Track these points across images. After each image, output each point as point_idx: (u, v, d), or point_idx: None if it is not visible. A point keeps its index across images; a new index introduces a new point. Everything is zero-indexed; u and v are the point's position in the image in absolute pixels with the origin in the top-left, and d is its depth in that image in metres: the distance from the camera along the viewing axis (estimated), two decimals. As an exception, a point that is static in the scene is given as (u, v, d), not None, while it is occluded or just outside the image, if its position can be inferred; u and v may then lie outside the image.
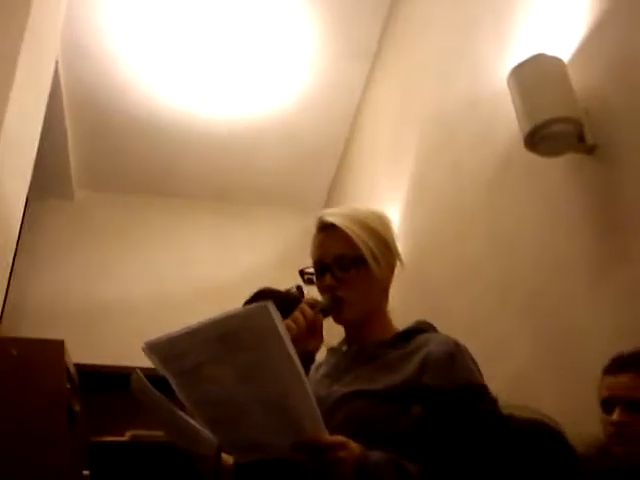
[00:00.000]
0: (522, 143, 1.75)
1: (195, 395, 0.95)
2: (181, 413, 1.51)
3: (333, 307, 1.20)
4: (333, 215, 1.23)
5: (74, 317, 4.19)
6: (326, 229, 1.23)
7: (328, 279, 1.20)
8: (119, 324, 4.28)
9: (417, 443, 0.99)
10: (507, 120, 2.02)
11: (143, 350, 0.88)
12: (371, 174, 3.91)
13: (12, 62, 2.47)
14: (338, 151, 4.69)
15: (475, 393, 0.98)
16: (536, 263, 1.95)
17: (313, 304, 1.18)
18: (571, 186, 1.79)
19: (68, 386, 2.30)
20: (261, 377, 0.88)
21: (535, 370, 1.88)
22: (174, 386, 0.92)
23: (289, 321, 1.14)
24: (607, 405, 1.23)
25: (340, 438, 0.94)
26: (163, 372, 0.91)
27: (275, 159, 4.65)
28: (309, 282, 1.26)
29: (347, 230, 1.19)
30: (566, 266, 1.78)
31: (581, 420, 1.29)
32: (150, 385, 1.49)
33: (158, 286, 4.57)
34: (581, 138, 1.68)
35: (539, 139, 1.68)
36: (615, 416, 1.19)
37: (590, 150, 1.68)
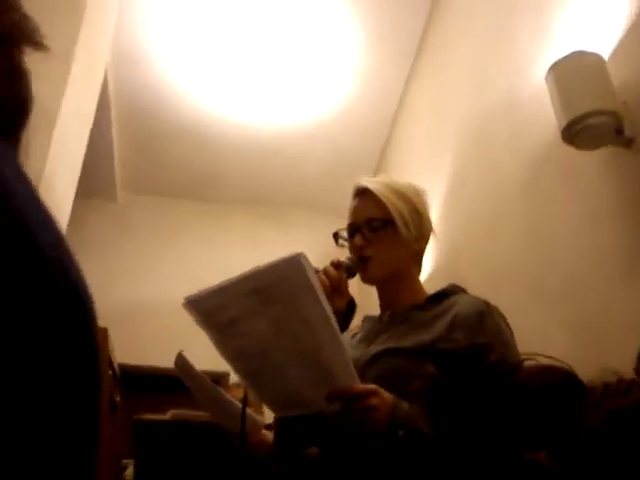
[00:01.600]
0: (559, 137, 1.77)
1: (232, 349, 0.96)
2: (223, 392, 1.56)
3: (358, 266, 1.22)
4: (369, 181, 1.27)
5: (114, 316, 4.29)
6: (360, 194, 1.28)
7: (357, 239, 1.23)
8: (157, 324, 4.35)
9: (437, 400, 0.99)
10: (545, 117, 2.04)
11: (183, 306, 0.91)
12: (410, 175, 3.93)
13: (66, 67, 2.57)
14: (376, 155, 4.72)
15: (484, 347, 0.97)
16: (573, 255, 1.95)
17: (338, 264, 1.19)
18: (608, 179, 1.79)
19: (110, 373, 2.38)
20: (295, 329, 0.89)
21: (574, 360, 1.86)
22: (212, 340, 0.94)
23: None
24: None
25: (372, 386, 0.96)
26: (202, 326, 0.93)
27: (315, 166, 4.71)
28: (341, 246, 1.28)
29: (379, 194, 1.23)
30: (603, 258, 1.78)
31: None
32: (193, 365, 1.55)
33: (196, 288, 4.64)
34: (619, 131, 1.68)
35: (576, 132, 1.69)
36: None
37: (628, 143, 1.69)
